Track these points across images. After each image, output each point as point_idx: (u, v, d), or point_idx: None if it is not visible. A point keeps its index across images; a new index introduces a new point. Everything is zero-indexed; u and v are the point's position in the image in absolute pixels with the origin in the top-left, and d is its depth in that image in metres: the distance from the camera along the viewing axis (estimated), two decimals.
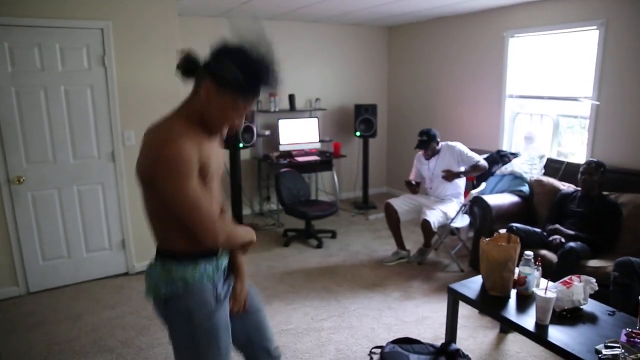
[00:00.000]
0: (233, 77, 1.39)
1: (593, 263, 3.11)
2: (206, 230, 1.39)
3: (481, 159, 4.11)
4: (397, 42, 6.24)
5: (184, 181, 1.34)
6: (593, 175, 3.44)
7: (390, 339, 2.75)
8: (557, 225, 3.43)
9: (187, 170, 1.35)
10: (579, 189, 3.57)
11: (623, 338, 2.10)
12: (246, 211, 5.47)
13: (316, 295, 3.51)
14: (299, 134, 5.51)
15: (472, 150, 4.47)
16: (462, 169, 4.13)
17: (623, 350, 1.96)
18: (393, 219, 4.13)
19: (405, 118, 6.24)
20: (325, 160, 5.51)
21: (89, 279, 3.77)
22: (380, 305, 3.36)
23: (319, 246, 4.52)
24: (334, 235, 4.82)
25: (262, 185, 5.64)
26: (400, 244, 4.20)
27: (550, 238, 3.36)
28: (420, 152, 4.32)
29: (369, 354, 2.74)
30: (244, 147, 4.82)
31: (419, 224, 4.01)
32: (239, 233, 1.58)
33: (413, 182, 4.18)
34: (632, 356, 1.94)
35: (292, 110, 5.56)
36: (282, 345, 2.83)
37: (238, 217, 4.99)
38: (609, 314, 2.36)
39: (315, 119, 5.64)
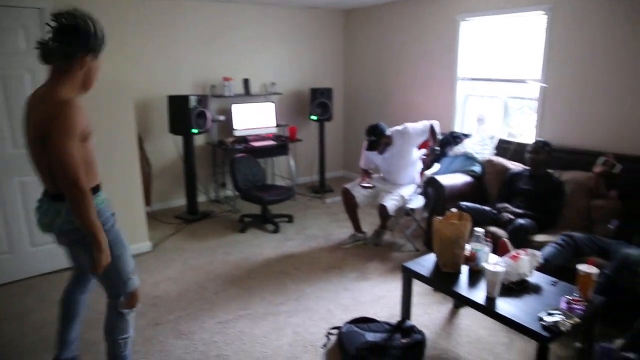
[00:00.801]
0: (99, 44, 1.84)
1: (539, 238, 3.23)
2: (73, 179, 1.73)
3: (429, 122, 4.16)
4: (352, 26, 6.23)
5: (70, 139, 1.71)
6: (539, 154, 3.57)
7: (347, 320, 2.78)
8: (505, 205, 3.53)
9: (75, 130, 1.73)
10: (527, 168, 3.70)
11: (563, 305, 2.19)
12: (201, 198, 5.37)
13: (273, 280, 3.49)
14: (254, 119, 5.44)
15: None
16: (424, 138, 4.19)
17: (563, 317, 2.05)
18: (350, 204, 4.14)
19: (361, 101, 6.27)
20: (281, 145, 5.46)
21: (35, 274, 3.60)
22: (337, 287, 3.39)
23: (276, 231, 4.50)
24: (290, 219, 4.80)
25: (217, 171, 5.55)
26: (357, 226, 4.23)
27: (500, 214, 3.47)
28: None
29: (326, 335, 2.75)
30: (198, 132, 4.71)
31: (376, 206, 4.05)
32: (92, 210, 1.82)
33: (367, 185, 4.15)
34: (570, 321, 2.04)
35: (247, 95, 5.47)
36: (239, 331, 2.81)
37: (193, 205, 4.90)
38: (552, 284, 2.46)
39: (272, 104, 5.58)
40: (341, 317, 2.92)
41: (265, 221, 4.67)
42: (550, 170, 3.62)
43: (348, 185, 4.19)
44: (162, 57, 4.97)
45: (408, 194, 4.09)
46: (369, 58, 6.05)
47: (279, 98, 5.82)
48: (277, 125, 5.66)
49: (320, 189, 5.96)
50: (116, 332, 2.15)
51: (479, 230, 2.62)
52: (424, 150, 4.28)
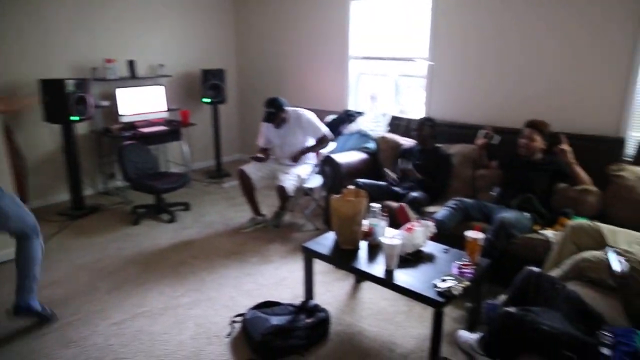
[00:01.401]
0: None
1: (431, 209, 3.40)
2: None
3: (327, 131, 4.19)
4: (243, 4, 6.03)
5: None
6: (423, 130, 3.77)
7: (251, 305, 2.73)
8: (411, 167, 3.67)
9: None
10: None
11: (455, 271, 2.33)
12: (88, 191, 4.94)
13: (171, 272, 3.32)
14: (142, 104, 5.08)
15: (322, 112, 4.57)
16: (309, 141, 4.19)
17: (455, 282, 2.17)
18: (248, 186, 4.05)
19: (256, 82, 6.14)
20: (173, 130, 5.18)
21: None
22: (238, 272, 3.31)
23: (172, 220, 4.28)
24: (187, 207, 4.60)
25: (104, 161, 5.13)
26: (256, 209, 4.16)
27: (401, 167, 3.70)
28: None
29: (230, 324, 2.68)
30: (80, 120, 4.28)
31: (274, 188, 4.00)
32: None
33: (260, 155, 4.12)
34: (462, 285, 2.17)
35: (133, 78, 5.09)
36: (137, 331, 2.63)
37: (78, 199, 4.49)
38: (444, 252, 2.60)
39: (161, 87, 5.25)
40: (245, 304, 2.85)
41: (160, 211, 4.43)
42: (438, 145, 3.81)
43: (244, 167, 4.09)
44: (27, 35, 4.42)
45: (305, 174, 4.10)
46: (261, 38, 5.92)
47: (168, 80, 5.49)
48: (168, 110, 5.35)
49: (217, 173, 5.78)
50: None
51: (375, 205, 2.69)
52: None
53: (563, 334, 1.76)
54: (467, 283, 2.20)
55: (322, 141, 4.17)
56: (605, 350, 1.76)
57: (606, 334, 1.87)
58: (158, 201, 4.43)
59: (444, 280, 2.20)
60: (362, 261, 2.52)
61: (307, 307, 2.65)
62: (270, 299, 2.79)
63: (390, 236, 2.48)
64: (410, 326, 2.67)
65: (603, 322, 1.95)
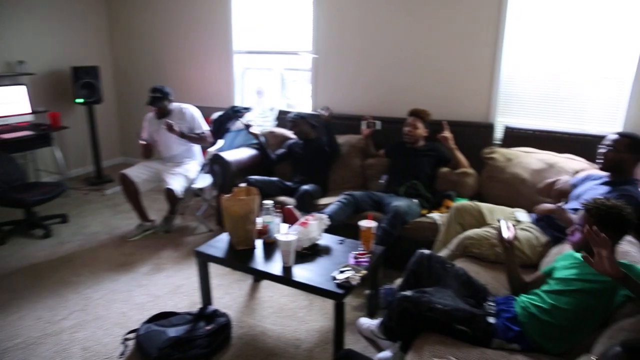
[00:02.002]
0: None
1: (324, 201, 3.45)
2: None
3: (208, 132, 4.05)
4: None
5: None
6: (298, 126, 3.84)
7: (145, 319, 2.55)
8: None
9: None
10: None
11: (351, 261, 2.37)
12: None
13: (49, 294, 2.99)
14: (0, 106, 4.51)
15: (208, 108, 4.41)
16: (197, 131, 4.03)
17: (352, 272, 2.21)
18: (131, 191, 3.79)
19: (134, 80, 5.74)
20: (42, 135, 4.66)
21: None
22: (129, 285, 3.08)
23: (47, 235, 3.86)
24: (65, 219, 4.18)
25: None
26: (143, 215, 3.91)
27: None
28: (152, 113, 4.03)
29: (122, 342, 2.49)
30: None
31: (162, 191, 3.78)
32: None
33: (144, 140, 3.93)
34: (359, 274, 2.21)
35: None
36: None
37: None
38: (340, 243, 2.65)
39: (22, 87, 4.68)
40: (138, 318, 2.66)
41: (32, 226, 3.97)
42: (320, 136, 3.86)
43: (126, 171, 3.81)
44: None
45: (193, 174, 3.93)
46: (138, 33, 5.52)
47: (31, 79, 4.91)
48: (34, 112, 4.80)
49: (98, 179, 5.34)
50: None
51: (268, 202, 2.64)
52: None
53: (455, 310, 1.87)
54: (364, 272, 2.25)
55: (200, 139, 4.01)
56: (491, 319, 1.91)
57: (490, 304, 2.03)
58: (29, 215, 3.97)
59: (342, 272, 2.23)
60: (258, 260, 2.47)
61: (206, 314, 2.54)
62: (165, 310, 2.64)
63: (285, 232, 2.46)
64: (312, 320, 2.68)
65: (488, 294, 2.12)
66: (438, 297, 1.94)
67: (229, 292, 2.98)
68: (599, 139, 2.68)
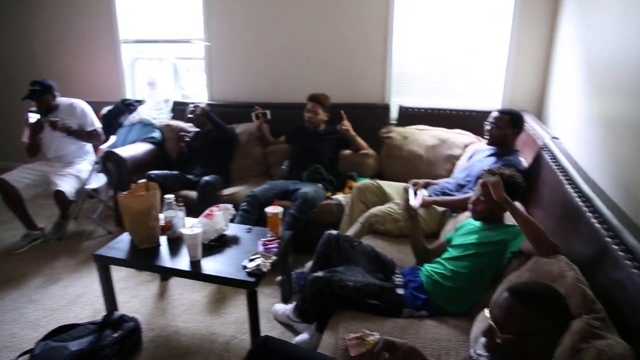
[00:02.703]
0: None
1: (228, 191, 3.38)
2: None
3: (100, 128, 3.77)
4: None
5: None
6: (196, 117, 3.71)
7: (41, 337, 2.33)
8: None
9: None
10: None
11: (260, 248, 2.35)
12: None
13: None
14: None
15: (97, 103, 4.10)
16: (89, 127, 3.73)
17: (262, 259, 2.19)
18: (13, 198, 3.40)
19: (9, 74, 5.13)
20: None
21: None
22: (18, 302, 2.78)
23: None
24: None
25: None
26: (29, 224, 3.53)
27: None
28: (34, 109, 3.64)
29: None
30: None
31: (50, 195, 3.46)
32: None
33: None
34: (269, 260, 2.20)
35: None
36: None
37: None
38: (247, 232, 2.61)
39: None
40: (32, 337, 2.42)
41: None
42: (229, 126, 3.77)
43: (5, 175, 3.42)
44: None
45: (85, 174, 3.65)
46: (12, 21, 4.92)
47: None
48: None
49: None
50: None
51: (169, 196, 2.52)
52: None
53: (365, 285, 1.93)
54: (274, 257, 2.24)
55: (91, 136, 3.72)
56: (400, 291, 1.99)
57: (398, 276, 2.12)
58: None
59: (251, 260, 2.20)
60: (164, 257, 2.35)
61: (112, 321, 2.38)
62: (64, 323, 2.43)
63: (190, 226, 2.37)
64: (226, 312, 2.63)
65: (395, 267, 2.21)
66: (348, 275, 1.99)
67: (135, 295, 2.82)
68: (483, 114, 2.92)
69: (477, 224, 2.08)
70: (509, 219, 2.01)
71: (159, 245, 2.45)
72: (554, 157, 2.32)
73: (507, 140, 2.67)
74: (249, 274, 2.11)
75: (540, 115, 3.40)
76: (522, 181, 2.05)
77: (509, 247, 1.86)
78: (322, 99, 3.51)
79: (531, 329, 1.12)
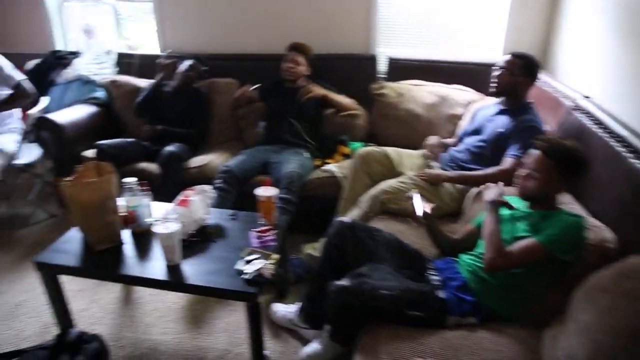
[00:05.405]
0: None
1: (196, 161, 2.84)
2: None
3: (25, 80, 2.97)
4: None
5: None
6: (194, 73, 3.10)
7: None
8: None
9: None
10: (166, 82, 3.12)
11: (254, 242, 1.88)
12: None
13: None
14: None
15: (18, 55, 3.36)
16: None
17: (262, 260, 1.72)
18: None
19: None
20: None
21: None
22: None
23: None
24: None
25: None
26: None
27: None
28: None
29: None
30: None
31: None
32: None
33: None
34: (270, 261, 1.74)
35: None
36: None
37: None
38: (232, 219, 2.12)
39: None
40: None
41: None
42: (196, 85, 3.17)
43: None
44: None
45: (11, 146, 2.95)
46: None
47: None
48: None
49: None
50: None
51: (130, 180, 1.97)
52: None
53: (403, 292, 1.54)
54: (276, 256, 1.77)
55: (19, 94, 2.92)
56: (441, 293, 1.61)
57: (433, 273, 1.74)
58: None
59: (248, 262, 1.73)
60: (130, 262, 1.83)
61: (68, 342, 1.86)
62: (4, 347, 1.90)
63: (160, 218, 1.86)
64: (212, 317, 2.15)
65: (423, 259, 1.82)
66: (377, 278, 1.58)
67: (94, 299, 2.29)
68: (483, 67, 2.54)
69: (524, 207, 1.70)
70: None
71: (120, 244, 1.92)
72: (596, 121, 1.96)
73: (518, 90, 2.25)
74: (248, 281, 1.65)
75: (550, 70, 3.00)
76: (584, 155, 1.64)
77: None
78: (305, 48, 2.96)
79: None
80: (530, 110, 2.24)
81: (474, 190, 2.16)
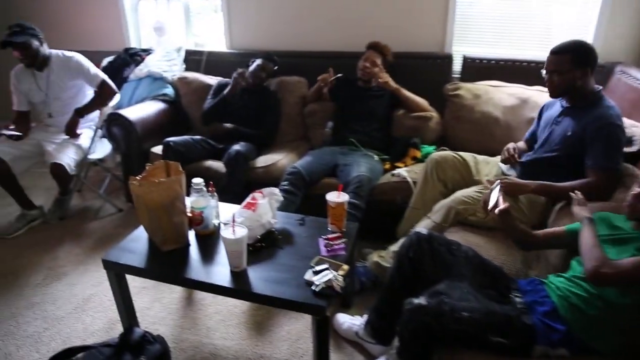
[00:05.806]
0: None
1: (262, 162, 2.79)
2: None
3: (106, 77, 3.07)
4: None
5: None
6: (265, 71, 3.06)
7: None
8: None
9: None
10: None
11: (323, 250, 1.79)
12: None
13: None
14: None
15: (95, 53, 3.46)
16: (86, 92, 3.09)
17: (332, 271, 1.62)
18: (3, 173, 2.83)
19: None
20: None
21: None
22: (14, 308, 2.23)
23: None
24: None
25: None
26: (24, 202, 2.96)
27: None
28: (18, 67, 3.00)
29: None
30: None
31: (47, 168, 2.87)
32: None
33: (12, 132, 2.89)
34: (340, 272, 1.64)
35: None
36: None
37: None
38: (300, 224, 2.03)
39: None
40: (32, 358, 1.92)
41: None
42: (265, 83, 3.13)
43: None
44: None
45: (86, 141, 3.04)
46: None
47: None
48: None
49: None
50: None
51: (198, 180, 1.93)
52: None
53: (485, 315, 1.39)
54: (346, 267, 1.67)
55: (103, 91, 3.03)
56: (526, 319, 1.44)
57: (517, 294, 1.57)
58: None
59: (316, 272, 1.63)
60: (196, 265, 1.79)
61: (132, 342, 1.86)
62: (72, 340, 1.92)
63: (227, 222, 1.80)
64: (274, 325, 2.09)
65: (507, 278, 1.66)
66: (457, 297, 1.44)
67: (157, 297, 2.29)
68: None
69: (629, 229, 1.50)
70: None
71: (187, 245, 1.89)
72: None
73: (578, 85, 1.91)
74: (317, 293, 1.56)
75: None
76: None
77: None
78: (386, 50, 2.86)
79: None
80: (599, 103, 1.91)
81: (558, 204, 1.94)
